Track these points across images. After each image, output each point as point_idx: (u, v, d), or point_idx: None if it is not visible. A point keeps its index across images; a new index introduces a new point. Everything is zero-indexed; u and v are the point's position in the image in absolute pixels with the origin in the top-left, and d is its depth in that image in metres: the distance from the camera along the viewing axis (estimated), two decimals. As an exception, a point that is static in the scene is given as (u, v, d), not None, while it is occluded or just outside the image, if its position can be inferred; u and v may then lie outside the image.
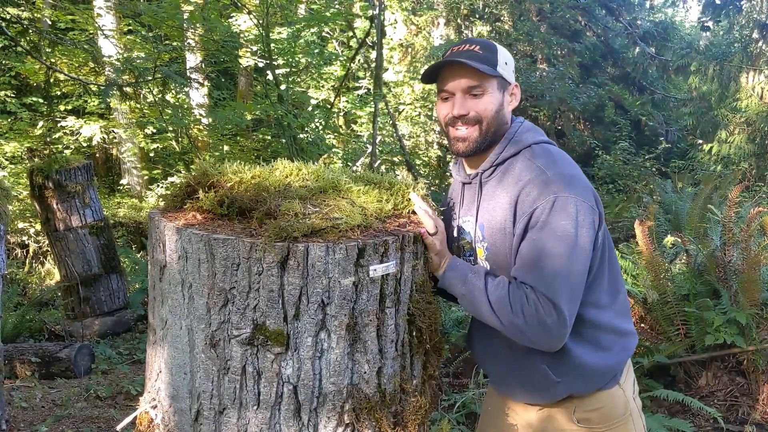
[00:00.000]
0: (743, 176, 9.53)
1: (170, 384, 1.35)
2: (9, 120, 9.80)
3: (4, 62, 9.13)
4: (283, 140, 7.84)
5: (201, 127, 9.56)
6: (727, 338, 3.30)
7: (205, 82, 10.38)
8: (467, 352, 3.71)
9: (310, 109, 9.22)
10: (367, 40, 9.40)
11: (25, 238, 8.28)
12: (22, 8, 7.64)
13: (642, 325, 3.81)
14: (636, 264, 4.06)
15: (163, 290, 1.34)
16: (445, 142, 1.68)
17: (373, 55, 9.89)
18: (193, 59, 9.59)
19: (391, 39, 12.20)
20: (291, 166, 1.49)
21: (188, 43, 8.53)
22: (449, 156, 11.23)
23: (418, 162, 11.33)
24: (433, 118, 11.52)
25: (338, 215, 1.30)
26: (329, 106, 9.91)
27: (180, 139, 10.46)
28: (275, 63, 7.90)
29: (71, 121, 9.66)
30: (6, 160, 9.60)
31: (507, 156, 1.53)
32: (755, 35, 11.03)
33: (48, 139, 10.05)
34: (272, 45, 7.57)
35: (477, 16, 12.67)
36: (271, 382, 1.25)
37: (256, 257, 1.21)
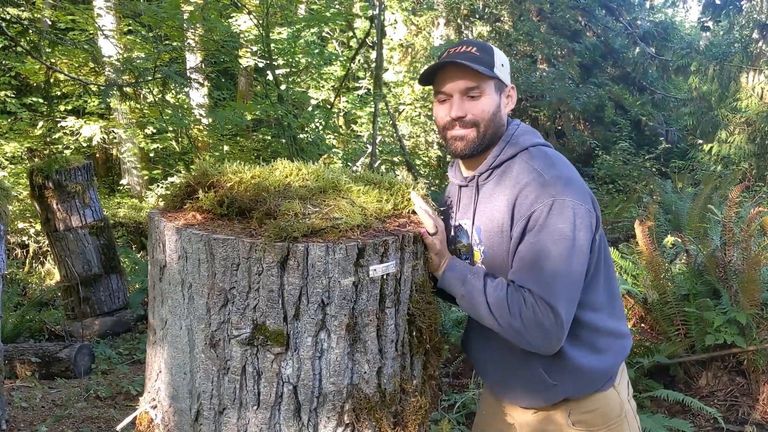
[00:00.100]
0: (743, 176, 9.53)
1: (170, 384, 1.35)
2: (9, 120, 9.80)
3: (4, 62, 9.13)
4: (283, 140, 7.84)
5: (201, 127, 9.56)
6: (727, 338, 3.30)
7: (205, 82, 10.38)
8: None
9: (310, 109, 9.22)
10: (367, 40, 9.40)
11: (25, 238, 8.28)
12: (22, 8, 7.64)
13: (642, 325, 3.80)
14: (636, 264, 4.06)
15: (163, 290, 1.34)
16: (445, 142, 1.66)
17: (373, 55, 9.90)
18: (193, 59, 9.59)
19: (391, 39, 12.21)
20: (291, 166, 1.49)
21: (188, 43, 8.53)
22: (449, 156, 11.22)
23: (418, 162, 11.33)
24: (433, 119, 11.51)
25: (338, 215, 1.30)
26: (329, 106, 9.91)
27: (180, 139, 10.46)
28: (275, 63, 7.90)
29: (71, 121, 9.66)
30: (6, 160, 9.60)
31: (504, 159, 1.52)
32: (755, 35, 11.03)
33: (48, 140, 10.06)
34: (272, 45, 7.58)
35: (477, 16, 12.68)
36: (271, 382, 1.24)
37: (255, 257, 1.21)
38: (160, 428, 1.37)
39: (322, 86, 11.03)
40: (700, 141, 11.65)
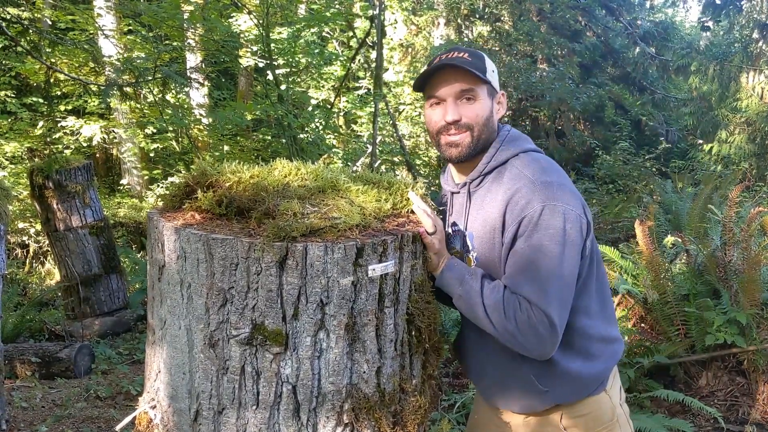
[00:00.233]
0: (743, 176, 9.52)
1: (169, 384, 1.35)
2: (9, 120, 9.80)
3: (4, 62, 9.13)
4: (283, 140, 7.84)
5: (201, 127, 9.56)
6: (727, 338, 3.30)
7: (205, 82, 10.38)
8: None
9: (310, 109, 9.23)
10: (367, 40, 9.41)
11: (25, 238, 8.28)
12: (22, 8, 7.64)
13: (642, 325, 3.80)
14: (636, 264, 4.06)
15: (162, 290, 1.34)
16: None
17: (373, 55, 9.90)
18: (193, 59, 9.59)
19: (391, 39, 12.22)
20: (290, 166, 1.49)
21: (188, 43, 8.53)
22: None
23: (418, 162, 11.34)
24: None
25: (337, 215, 1.30)
26: (329, 106, 9.92)
27: (180, 139, 10.47)
28: (275, 63, 7.91)
29: (71, 121, 9.66)
30: (6, 160, 9.60)
31: (495, 165, 1.52)
32: (755, 35, 11.03)
33: (48, 139, 10.06)
34: (272, 45, 7.58)
35: (477, 16, 12.68)
36: (270, 381, 1.24)
37: (254, 257, 1.20)
38: (159, 428, 1.37)
39: (322, 86, 11.04)
40: (700, 141, 11.65)
